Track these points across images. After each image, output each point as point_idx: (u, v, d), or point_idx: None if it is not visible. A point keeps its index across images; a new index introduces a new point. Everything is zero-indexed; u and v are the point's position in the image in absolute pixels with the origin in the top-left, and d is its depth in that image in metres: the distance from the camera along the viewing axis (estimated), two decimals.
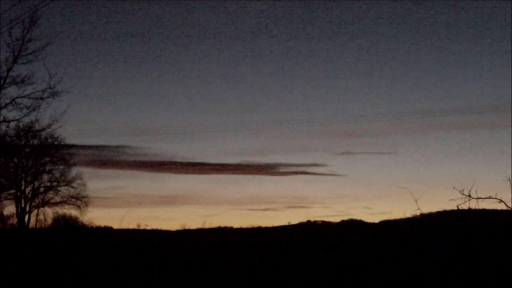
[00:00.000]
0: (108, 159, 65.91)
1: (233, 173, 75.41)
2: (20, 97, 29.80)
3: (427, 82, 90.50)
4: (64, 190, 49.91)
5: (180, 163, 71.02)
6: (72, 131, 63.65)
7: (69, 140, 49.66)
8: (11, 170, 46.77)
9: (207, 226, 49.64)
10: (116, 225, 56.58)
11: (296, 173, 76.77)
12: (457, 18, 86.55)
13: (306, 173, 77.03)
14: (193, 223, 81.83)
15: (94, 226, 52.97)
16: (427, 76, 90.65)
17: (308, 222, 68.16)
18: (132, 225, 53.22)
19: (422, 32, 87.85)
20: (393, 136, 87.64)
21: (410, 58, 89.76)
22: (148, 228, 56.87)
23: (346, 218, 66.67)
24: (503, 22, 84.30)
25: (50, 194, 49.98)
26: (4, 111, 29.91)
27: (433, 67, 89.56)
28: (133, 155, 70.60)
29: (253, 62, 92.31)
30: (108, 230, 54.04)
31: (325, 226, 65.65)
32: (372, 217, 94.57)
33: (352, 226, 60.96)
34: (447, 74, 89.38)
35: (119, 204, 70.70)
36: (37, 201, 49.52)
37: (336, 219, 70.58)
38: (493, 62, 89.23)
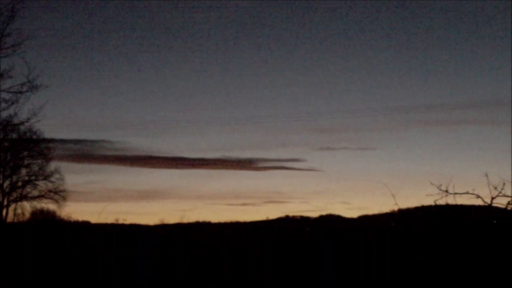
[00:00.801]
0: (87, 153, 65.78)
1: (212, 168, 75.55)
2: None
3: (406, 78, 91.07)
4: (42, 184, 49.70)
5: (159, 158, 71.02)
6: (50, 126, 63.59)
7: (48, 134, 49.49)
8: None
9: (185, 221, 49.75)
10: (94, 220, 56.47)
11: (275, 168, 77.11)
12: (435, 16, 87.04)
13: (285, 168, 77.41)
14: (172, 218, 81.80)
15: (72, 221, 52.85)
16: (406, 72, 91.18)
17: (287, 217, 68.32)
18: (111, 220, 53.14)
19: (402, 29, 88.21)
20: (372, 132, 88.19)
21: (390, 54, 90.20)
22: (126, 222, 56.78)
23: (324, 213, 66.92)
24: (478, 18, 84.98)
25: (28, 188, 49.74)
26: None
27: (412, 63, 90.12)
28: (111, 150, 70.53)
29: (233, 57, 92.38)
30: (86, 224, 53.90)
31: (303, 221, 65.83)
32: (351, 212, 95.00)
33: (330, 221, 61.18)
34: (425, 70, 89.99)
35: (97, 199, 70.70)
36: (15, 195, 49.22)
37: (315, 214, 70.90)
38: (470, 59, 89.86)
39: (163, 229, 50.39)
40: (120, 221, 54.87)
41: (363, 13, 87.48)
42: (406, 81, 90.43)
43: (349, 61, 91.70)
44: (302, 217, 67.67)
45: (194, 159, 73.12)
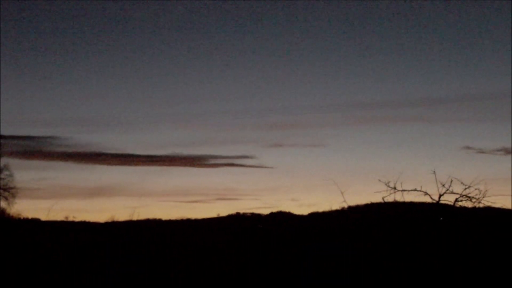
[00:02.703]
0: (36, 150, 65.16)
1: (162, 165, 75.29)
2: None
3: (356, 75, 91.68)
4: None
5: (109, 155, 70.62)
6: None
7: None
8: None
9: (135, 218, 49.47)
10: (44, 217, 55.87)
11: (225, 165, 77.11)
12: (388, 14, 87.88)
13: (236, 165, 77.42)
14: (122, 215, 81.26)
15: (22, 218, 52.30)
16: (356, 69, 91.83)
17: (237, 214, 68.47)
18: (60, 217, 52.66)
19: (352, 25, 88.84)
20: (323, 128, 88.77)
21: (340, 51, 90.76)
22: (76, 220, 56.34)
23: (275, 210, 67.13)
24: (431, 16, 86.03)
25: None
26: None
27: (362, 60, 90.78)
28: (61, 146, 69.84)
29: (182, 53, 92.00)
30: (36, 221, 53.32)
31: (254, 218, 66.01)
32: (301, 209, 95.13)
33: (281, 218, 61.41)
34: (376, 67, 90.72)
35: (47, 196, 69.81)
36: None
37: (265, 211, 70.89)
38: (422, 56, 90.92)
39: (113, 226, 50.08)
40: (70, 218, 54.51)
41: (315, 10, 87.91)
42: (357, 78, 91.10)
43: (300, 58, 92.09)
44: (253, 214, 67.88)
45: (144, 156, 72.88)
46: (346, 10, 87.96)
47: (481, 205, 20.99)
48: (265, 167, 78.13)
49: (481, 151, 74.77)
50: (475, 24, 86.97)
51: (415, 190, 21.12)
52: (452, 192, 21.05)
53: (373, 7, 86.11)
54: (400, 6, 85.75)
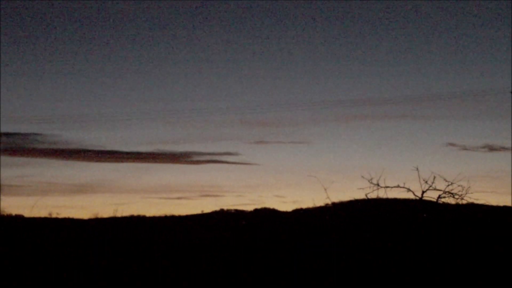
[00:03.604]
0: (19, 146, 64.86)
1: (146, 162, 75.12)
2: None
3: (340, 73, 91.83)
4: None
5: (92, 151, 70.39)
6: None
7: None
8: None
9: (119, 214, 49.51)
10: (27, 214, 55.76)
11: (209, 161, 77.03)
12: (370, 12, 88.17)
13: (220, 161, 77.35)
14: (106, 212, 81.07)
15: (6, 215, 52.22)
16: (340, 67, 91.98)
17: (221, 210, 68.48)
18: (44, 214, 52.63)
19: (337, 21, 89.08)
20: (306, 125, 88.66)
21: (323, 48, 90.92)
22: (59, 216, 56.29)
23: (259, 206, 67.23)
24: (414, 14, 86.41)
25: None
26: None
27: (345, 57, 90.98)
28: (44, 143, 69.52)
29: (165, 49, 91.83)
30: (19, 218, 53.27)
31: (238, 214, 66.09)
32: (285, 205, 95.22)
33: (265, 215, 61.55)
34: (359, 65, 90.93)
35: (30, 193, 69.58)
36: None
37: (249, 207, 71.07)
38: (404, 53, 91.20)
39: (97, 223, 50.07)
40: (54, 215, 54.50)
41: (298, 7, 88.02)
42: (341, 76, 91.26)
43: (284, 55, 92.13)
44: (237, 211, 67.91)
45: (127, 153, 72.70)
46: (328, 8, 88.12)
47: (464, 202, 21.09)
48: (249, 163, 78.21)
49: (465, 148, 75.27)
50: (456, 22, 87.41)
51: (398, 186, 21.16)
52: (435, 189, 21.14)
53: (355, 6, 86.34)
54: (383, 7, 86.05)
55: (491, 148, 72.15)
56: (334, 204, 24.13)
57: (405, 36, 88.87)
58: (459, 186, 20.89)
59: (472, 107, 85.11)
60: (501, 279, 17.46)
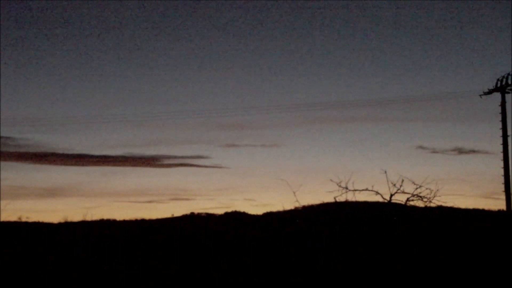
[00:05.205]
0: None
1: (116, 165, 74.93)
2: None
3: (309, 76, 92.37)
4: None
5: (62, 155, 70.05)
6: None
7: None
8: None
9: (88, 218, 49.26)
10: None
11: (180, 165, 77.01)
12: (341, 15, 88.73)
13: (190, 165, 77.40)
14: (75, 216, 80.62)
15: None
16: (309, 70, 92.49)
17: (192, 214, 68.28)
18: (13, 218, 52.18)
19: (307, 27, 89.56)
20: (276, 128, 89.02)
21: (291, 51, 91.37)
22: (29, 220, 55.84)
23: (230, 210, 67.20)
24: (393, 17, 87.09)
25: None
26: None
27: (314, 60, 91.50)
28: (14, 146, 69.13)
29: (135, 54, 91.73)
30: None
31: (209, 218, 65.97)
32: (256, 209, 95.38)
33: (236, 218, 61.51)
34: (329, 68, 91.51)
35: None
36: None
37: (220, 211, 70.97)
38: (376, 57, 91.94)
39: (67, 226, 49.75)
40: (23, 219, 54.03)
41: (270, 11, 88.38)
42: (310, 79, 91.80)
43: (254, 58, 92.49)
44: (207, 214, 67.79)
45: (97, 156, 72.44)
46: (299, 12, 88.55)
47: (432, 205, 21.34)
48: (220, 167, 78.35)
49: (434, 151, 75.94)
50: (422, 25, 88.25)
51: (367, 190, 21.38)
52: (403, 192, 21.36)
53: (325, 8, 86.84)
54: (353, 9, 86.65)
55: (461, 151, 72.90)
56: (304, 207, 24.30)
57: (374, 40, 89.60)
58: (427, 189, 21.16)
59: (442, 110, 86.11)
60: (468, 280, 17.67)
